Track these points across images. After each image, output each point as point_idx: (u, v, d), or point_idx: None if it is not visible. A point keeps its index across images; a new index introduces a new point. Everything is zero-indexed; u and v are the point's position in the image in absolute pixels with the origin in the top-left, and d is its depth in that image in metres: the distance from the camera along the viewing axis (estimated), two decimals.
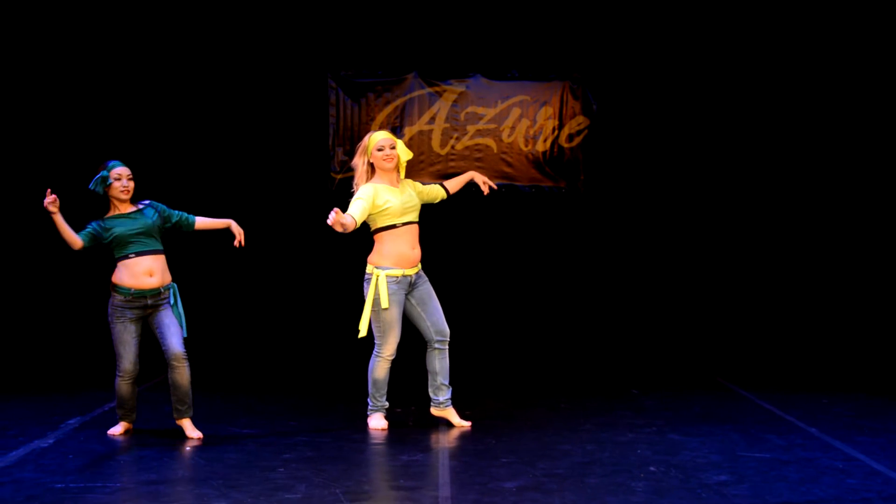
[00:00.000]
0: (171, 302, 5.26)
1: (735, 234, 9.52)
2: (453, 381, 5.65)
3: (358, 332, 5.43)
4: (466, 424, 5.55)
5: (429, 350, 5.58)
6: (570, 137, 9.64)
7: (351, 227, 5.18)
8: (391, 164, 5.46)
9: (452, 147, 9.63)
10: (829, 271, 9.38)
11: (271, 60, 9.44)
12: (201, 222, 5.44)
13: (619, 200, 9.54)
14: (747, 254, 9.52)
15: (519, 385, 7.23)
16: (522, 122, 9.63)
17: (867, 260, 9.27)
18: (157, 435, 5.36)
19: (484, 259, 9.66)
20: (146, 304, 5.18)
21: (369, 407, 5.56)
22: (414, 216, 5.51)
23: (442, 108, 9.62)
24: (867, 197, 9.28)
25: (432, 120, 9.63)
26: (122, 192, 5.17)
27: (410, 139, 9.57)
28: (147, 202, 5.32)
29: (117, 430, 5.35)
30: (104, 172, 5.18)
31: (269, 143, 9.50)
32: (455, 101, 9.63)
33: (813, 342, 8.90)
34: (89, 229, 5.13)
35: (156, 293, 5.20)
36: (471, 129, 9.63)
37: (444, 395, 5.56)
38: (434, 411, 5.60)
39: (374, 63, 9.61)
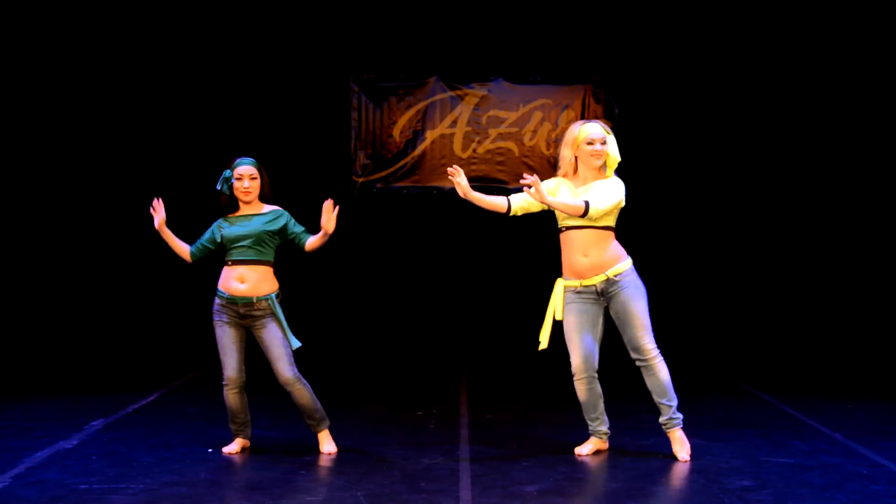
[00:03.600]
0: (276, 315, 4.89)
1: (756, 236, 9.48)
2: (477, 385, 5.62)
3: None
4: (684, 458, 4.85)
5: None
6: None
7: (493, 205, 4.79)
8: (599, 162, 4.86)
9: (474, 150, 9.64)
10: (853, 275, 9.31)
11: (294, 65, 9.49)
12: (310, 242, 5.07)
13: (640, 203, 9.49)
14: (769, 256, 9.47)
15: (540, 388, 7.21)
16: (544, 125, 9.63)
17: (893, 264, 9.19)
18: (180, 436, 5.39)
19: (506, 262, 9.65)
20: (238, 311, 4.86)
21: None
22: (585, 221, 4.74)
23: (464, 111, 9.63)
24: (894, 201, 9.21)
25: (454, 123, 9.64)
26: (244, 192, 4.92)
27: (432, 143, 9.59)
28: (277, 209, 5.04)
29: (231, 448, 5.02)
30: (227, 172, 4.96)
31: (291, 146, 9.54)
32: (477, 104, 9.63)
33: (837, 346, 8.83)
34: (204, 238, 4.94)
35: (247, 302, 4.85)
36: (493, 132, 9.63)
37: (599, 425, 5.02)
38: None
39: (397, 67, 9.63)
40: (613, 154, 4.88)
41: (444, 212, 9.48)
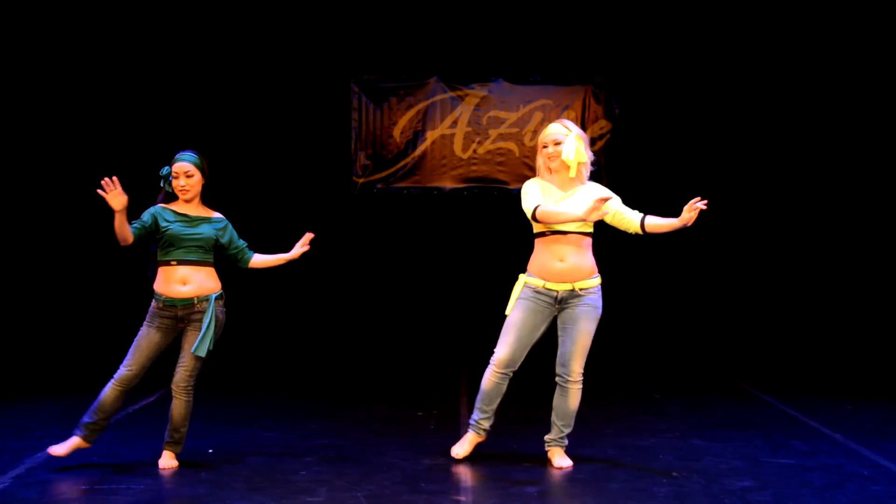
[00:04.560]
0: (206, 318, 4.65)
1: (756, 237, 9.48)
2: (473, 383, 5.63)
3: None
4: (565, 465, 4.79)
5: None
6: (593, 141, 9.59)
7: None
8: (553, 164, 4.73)
9: (474, 151, 9.64)
10: (853, 276, 9.31)
11: (294, 65, 9.49)
12: (258, 260, 4.89)
13: (640, 204, 9.49)
14: (769, 257, 9.47)
15: (541, 390, 7.21)
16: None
17: (893, 264, 9.20)
18: None
19: (507, 263, 9.64)
20: (177, 315, 4.67)
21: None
22: (573, 225, 4.65)
23: (464, 112, 9.64)
24: (894, 201, 9.21)
25: (454, 124, 9.64)
26: (181, 191, 4.69)
27: (433, 143, 9.60)
28: (222, 217, 4.84)
29: (61, 448, 4.64)
30: (166, 168, 4.73)
31: (291, 147, 9.54)
32: (477, 105, 9.64)
33: (837, 347, 8.83)
34: (144, 219, 4.66)
35: (188, 304, 4.66)
36: (493, 133, 9.63)
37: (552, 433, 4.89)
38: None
39: (397, 67, 9.64)
40: (567, 155, 4.66)
41: (445, 212, 9.48)
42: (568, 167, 4.70)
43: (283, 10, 9.33)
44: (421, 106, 9.65)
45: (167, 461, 4.73)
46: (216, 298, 4.73)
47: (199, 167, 4.75)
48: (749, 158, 9.47)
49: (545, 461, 4.83)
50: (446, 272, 9.64)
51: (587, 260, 4.73)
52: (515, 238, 9.67)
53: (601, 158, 9.58)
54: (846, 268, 9.34)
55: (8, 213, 8.90)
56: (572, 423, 4.83)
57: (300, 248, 4.93)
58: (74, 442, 4.68)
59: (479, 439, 4.92)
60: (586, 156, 4.73)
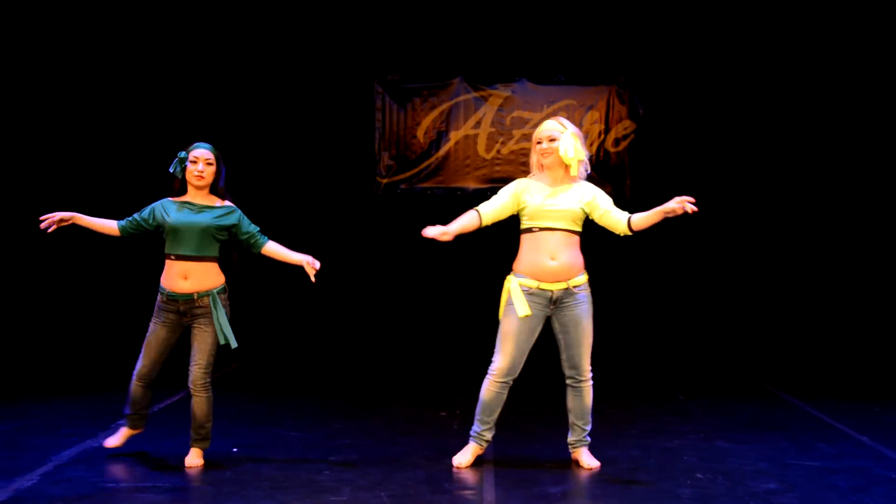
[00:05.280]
0: (214, 313, 4.66)
1: (781, 237, 9.41)
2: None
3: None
4: (594, 465, 4.77)
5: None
6: (617, 142, 9.60)
7: (468, 227, 4.68)
8: (547, 160, 4.67)
9: (498, 151, 9.63)
10: (881, 277, 9.22)
11: (318, 66, 9.52)
12: (272, 249, 4.81)
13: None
14: (795, 258, 9.40)
15: (563, 389, 7.20)
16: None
17: None
18: None
19: None
20: (179, 309, 4.68)
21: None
22: (560, 223, 4.65)
23: (488, 112, 9.63)
24: None
25: (478, 124, 9.64)
26: (196, 177, 4.67)
27: (456, 143, 9.60)
28: (230, 205, 4.79)
29: (114, 440, 4.95)
30: (182, 153, 4.72)
31: (315, 147, 9.58)
32: (501, 105, 9.63)
33: (864, 349, 8.75)
34: (143, 214, 4.74)
35: (188, 299, 4.66)
36: (516, 133, 9.62)
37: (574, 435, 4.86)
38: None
39: (421, 68, 9.65)
40: (564, 152, 4.58)
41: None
42: (563, 164, 4.64)
43: (307, 11, 9.36)
44: (444, 106, 9.66)
45: (193, 459, 4.77)
46: (219, 293, 4.71)
47: (218, 159, 4.79)
48: (775, 158, 9.41)
49: (568, 461, 4.83)
50: (470, 272, 9.64)
51: (578, 257, 4.70)
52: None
53: (625, 159, 9.55)
54: (875, 269, 9.26)
55: (27, 213, 8.98)
56: (591, 420, 4.81)
57: (309, 266, 4.74)
58: (124, 432, 4.95)
59: (481, 451, 4.88)
60: (584, 153, 4.69)
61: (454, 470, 4.71)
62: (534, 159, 4.77)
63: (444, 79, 9.65)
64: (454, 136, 9.63)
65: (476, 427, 4.84)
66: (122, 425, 4.99)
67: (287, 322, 9.47)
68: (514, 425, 5.73)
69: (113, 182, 8.90)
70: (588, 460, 4.78)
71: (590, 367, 4.74)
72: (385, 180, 9.66)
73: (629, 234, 4.66)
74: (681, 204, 4.42)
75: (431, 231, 4.59)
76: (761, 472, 4.67)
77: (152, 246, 4.89)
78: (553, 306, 4.67)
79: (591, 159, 4.80)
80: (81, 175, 8.98)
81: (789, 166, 9.40)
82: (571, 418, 4.80)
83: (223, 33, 9.31)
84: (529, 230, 4.67)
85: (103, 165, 9.09)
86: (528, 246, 4.69)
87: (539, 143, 4.68)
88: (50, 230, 4.74)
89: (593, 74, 9.60)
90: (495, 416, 4.82)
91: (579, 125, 9.59)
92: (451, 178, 9.65)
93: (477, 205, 4.87)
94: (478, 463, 4.84)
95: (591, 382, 4.77)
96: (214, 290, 4.70)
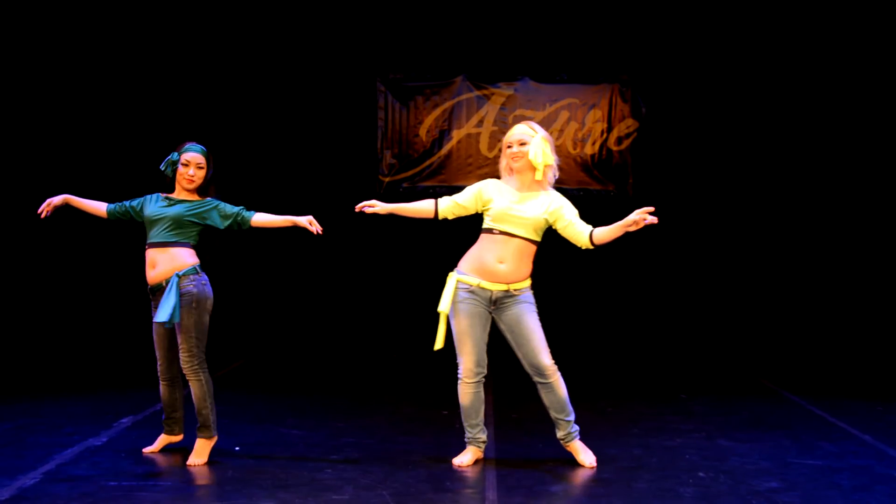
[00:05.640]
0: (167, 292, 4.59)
1: (783, 236, 9.41)
2: (503, 383, 5.61)
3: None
4: (590, 460, 4.76)
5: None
6: (619, 140, 9.60)
7: (415, 211, 4.70)
8: (517, 164, 4.66)
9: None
10: (883, 275, 9.22)
11: (321, 64, 9.53)
12: (261, 219, 4.78)
13: (668, 203, 9.47)
14: (796, 256, 9.40)
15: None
16: (571, 125, 9.61)
17: None
18: None
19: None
20: (158, 300, 4.70)
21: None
22: (522, 230, 4.65)
23: (490, 111, 9.63)
24: None
25: (480, 123, 9.65)
26: (187, 180, 4.71)
27: (458, 142, 9.60)
28: (209, 200, 4.79)
29: (152, 446, 4.99)
30: (175, 155, 4.74)
31: (318, 146, 9.58)
32: (503, 104, 9.63)
33: (866, 347, 8.74)
34: (133, 202, 4.82)
35: (157, 289, 4.69)
36: None
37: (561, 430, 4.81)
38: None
39: (423, 67, 9.65)
40: (533, 156, 4.58)
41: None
42: (532, 168, 4.64)
43: (310, 10, 9.36)
44: (447, 105, 9.66)
45: (196, 457, 4.77)
46: (182, 275, 4.63)
47: (209, 161, 4.81)
48: (777, 156, 9.40)
49: (569, 460, 4.83)
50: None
51: (527, 267, 4.70)
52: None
53: (628, 157, 9.55)
54: (876, 267, 9.25)
55: (31, 212, 9.00)
56: (571, 409, 4.77)
57: (311, 226, 4.73)
58: (162, 438, 4.99)
59: (480, 453, 4.87)
60: (553, 158, 4.68)
61: (456, 469, 4.71)
62: (503, 163, 4.78)
63: (447, 77, 9.66)
64: (456, 134, 9.64)
65: (468, 432, 4.86)
66: (162, 433, 5.00)
67: (290, 320, 9.48)
68: (516, 424, 5.73)
69: (113, 182, 8.90)
70: (584, 456, 4.76)
71: (551, 361, 4.70)
72: (387, 179, 9.66)
73: (590, 247, 4.64)
74: (641, 216, 4.40)
75: (364, 203, 4.65)
76: (763, 470, 4.67)
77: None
78: (493, 307, 4.69)
79: (559, 165, 4.78)
80: (81, 175, 8.99)
81: (791, 165, 9.39)
82: (552, 414, 4.77)
83: (226, 32, 9.32)
84: (490, 231, 4.66)
85: (103, 165, 9.10)
86: (482, 245, 4.69)
87: (509, 146, 4.68)
88: (43, 216, 4.81)
89: (596, 73, 9.60)
90: (481, 416, 4.84)
91: (581, 123, 9.59)
92: (453, 177, 9.65)
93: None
94: (480, 461, 4.84)
95: (558, 374, 4.71)
96: (177, 273, 4.63)
